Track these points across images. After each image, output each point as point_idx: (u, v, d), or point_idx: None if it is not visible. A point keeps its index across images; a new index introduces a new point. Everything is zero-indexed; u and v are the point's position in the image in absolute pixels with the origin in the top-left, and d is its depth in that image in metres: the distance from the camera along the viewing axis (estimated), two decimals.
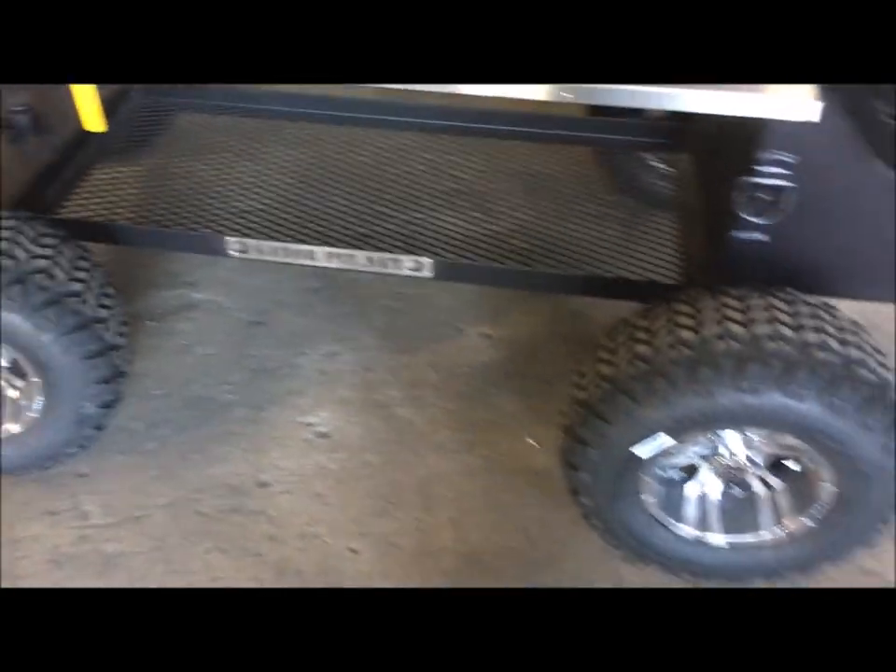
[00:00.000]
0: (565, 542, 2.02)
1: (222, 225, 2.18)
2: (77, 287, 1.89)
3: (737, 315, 1.59)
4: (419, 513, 2.09)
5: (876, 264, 1.72)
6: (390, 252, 2.06)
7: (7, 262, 1.80)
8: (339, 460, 2.20)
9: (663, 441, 1.64)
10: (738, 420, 1.59)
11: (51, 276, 1.84)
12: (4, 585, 1.92)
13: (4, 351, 1.92)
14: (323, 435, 2.26)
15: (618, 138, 2.41)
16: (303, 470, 2.18)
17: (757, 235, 1.70)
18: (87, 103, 1.93)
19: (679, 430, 1.62)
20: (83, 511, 2.08)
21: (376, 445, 2.23)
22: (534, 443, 2.22)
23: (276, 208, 2.24)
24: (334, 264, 2.08)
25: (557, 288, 2.09)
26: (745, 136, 1.66)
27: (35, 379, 1.92)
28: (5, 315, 1.80)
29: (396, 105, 2.51)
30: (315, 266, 2.09)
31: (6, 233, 1.84)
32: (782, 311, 1.60)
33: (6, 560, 1.96)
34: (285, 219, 2.20)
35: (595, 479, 1.74)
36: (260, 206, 2.25)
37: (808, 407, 1.53)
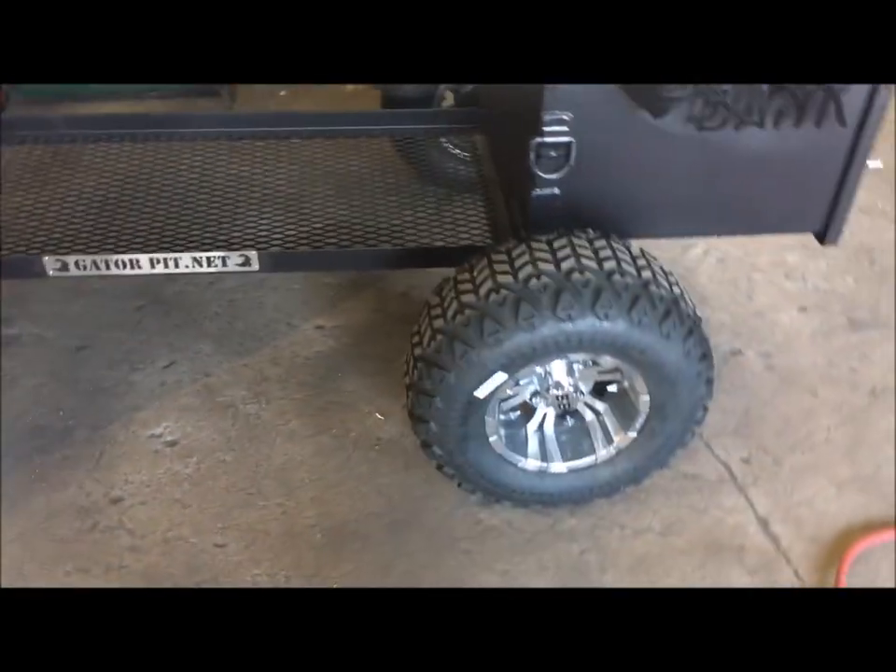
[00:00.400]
0: (422, 498, 2.14)
1: (36, 249, 2.14)
2: None
3: (547, 256, 1.78)
4: (281, 499, 2.14)
5: (656, 206, 1.97)
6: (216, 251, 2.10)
7: None
8: (192, 464, 2.21)
9: (499, 378, 1.80)
10: (561, 347, 1.77)
11: None
12: None
13: None
14: (171, 443, 2.26)
15: (415, 127, 2.58)
16: (156, 480, 2.18)
17: (552, 190, 1.90)
18: None
19: (513, 366, 1.79)
20: None
21: (228, 444, 2.26)
22: (380, 416, 2.34)
23: (90, 229, 2.21)
24: (160, 270, 2.09)
25: (383, 264, 2.20)
26: (529, 104, 1.86)
27: None
28: None
29: (193, 117, 2.55)
30: (139, 275, 2.09)
31: None
32: (583, 248, 1.81)
33: None
34: (101, 238, 2.17)
35: (444, 427, 1.88)
36: (74, 230, 2.21)
37: (616, 325, 1.74)
